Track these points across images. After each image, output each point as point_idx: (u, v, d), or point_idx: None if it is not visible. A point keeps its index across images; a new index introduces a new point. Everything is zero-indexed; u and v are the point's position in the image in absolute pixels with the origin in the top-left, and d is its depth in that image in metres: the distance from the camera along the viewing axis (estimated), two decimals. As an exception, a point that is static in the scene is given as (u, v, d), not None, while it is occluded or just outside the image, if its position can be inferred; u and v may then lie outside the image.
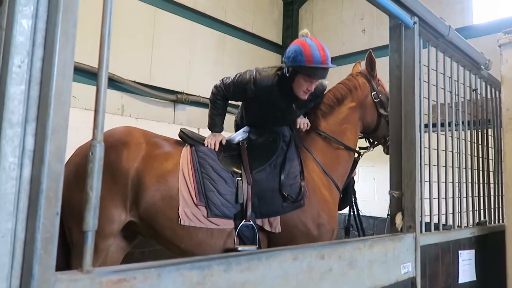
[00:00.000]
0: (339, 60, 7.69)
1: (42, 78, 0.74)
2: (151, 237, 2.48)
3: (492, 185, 3.00)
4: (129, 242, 2.60)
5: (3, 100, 0.70)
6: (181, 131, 2.63)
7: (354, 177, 3.03)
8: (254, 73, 2.51)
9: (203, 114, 6.65)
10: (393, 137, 1.95)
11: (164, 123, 5.76)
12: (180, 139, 2.64)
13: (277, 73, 2.50)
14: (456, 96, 2.56)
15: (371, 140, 3.00)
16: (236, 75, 2.58)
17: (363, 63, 3.10)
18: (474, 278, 2.46)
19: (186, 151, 2.50)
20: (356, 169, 2.97)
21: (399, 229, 1.83)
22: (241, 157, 2.51)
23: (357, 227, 2.85)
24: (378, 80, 2.87)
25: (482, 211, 2.85)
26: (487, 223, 2.81)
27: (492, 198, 3.00)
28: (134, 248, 4.02)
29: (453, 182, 2.44)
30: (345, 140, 2.73)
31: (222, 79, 2.63)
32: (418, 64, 1.98)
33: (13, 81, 0.71)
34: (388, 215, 2.96)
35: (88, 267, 0.76)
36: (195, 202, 2.32)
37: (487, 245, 2.61)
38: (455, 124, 2.52)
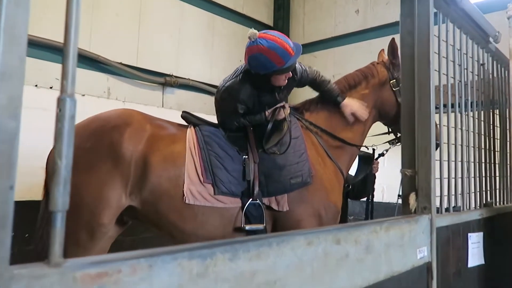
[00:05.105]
0: (332, 41, 7.48)
1: (-13, 5, 0.54)
2: (151, 222, 2.36)
3: (497, 165, 2.89)
4: (117, 230, 2.45)
5: None
6: (183, 112, 2.55)
7: (376, 173, 3.00)
8: (227, 90, 2.39)
9: (193, 97, 6.44)
10: (405, 112, 1.78)
11: (153, 107, 5.54)
12: (181, 122, 2.55)
13: (244, 77, 2.38)
14: (465, 70, 2.41)
15: (397, 135, 2.90)
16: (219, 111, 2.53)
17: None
18: (483, 262, 2.35)
19: (191, 131, 2.42)
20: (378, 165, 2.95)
21: (413, 210, 1.68)
22: (247, 136, 2.44)
23: (367, 214, 2.90)
24: None
25: (489, 192, 2.74)
26: (493, 204, 2.70)
27: (497, 178, 2.88)
28: (124, 236, 3.83)
29: (462, 161, 2.31)
30: (352, 128, 2.66)
31: (219, 121, 2.55)
32: (432, 32, 1.81)
33: None
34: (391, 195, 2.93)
35: (58, 259, 0.57)
36: (201, 180, 2.23)
37: (494, 227, 2.50)
38: (464, 100, 2.38)
